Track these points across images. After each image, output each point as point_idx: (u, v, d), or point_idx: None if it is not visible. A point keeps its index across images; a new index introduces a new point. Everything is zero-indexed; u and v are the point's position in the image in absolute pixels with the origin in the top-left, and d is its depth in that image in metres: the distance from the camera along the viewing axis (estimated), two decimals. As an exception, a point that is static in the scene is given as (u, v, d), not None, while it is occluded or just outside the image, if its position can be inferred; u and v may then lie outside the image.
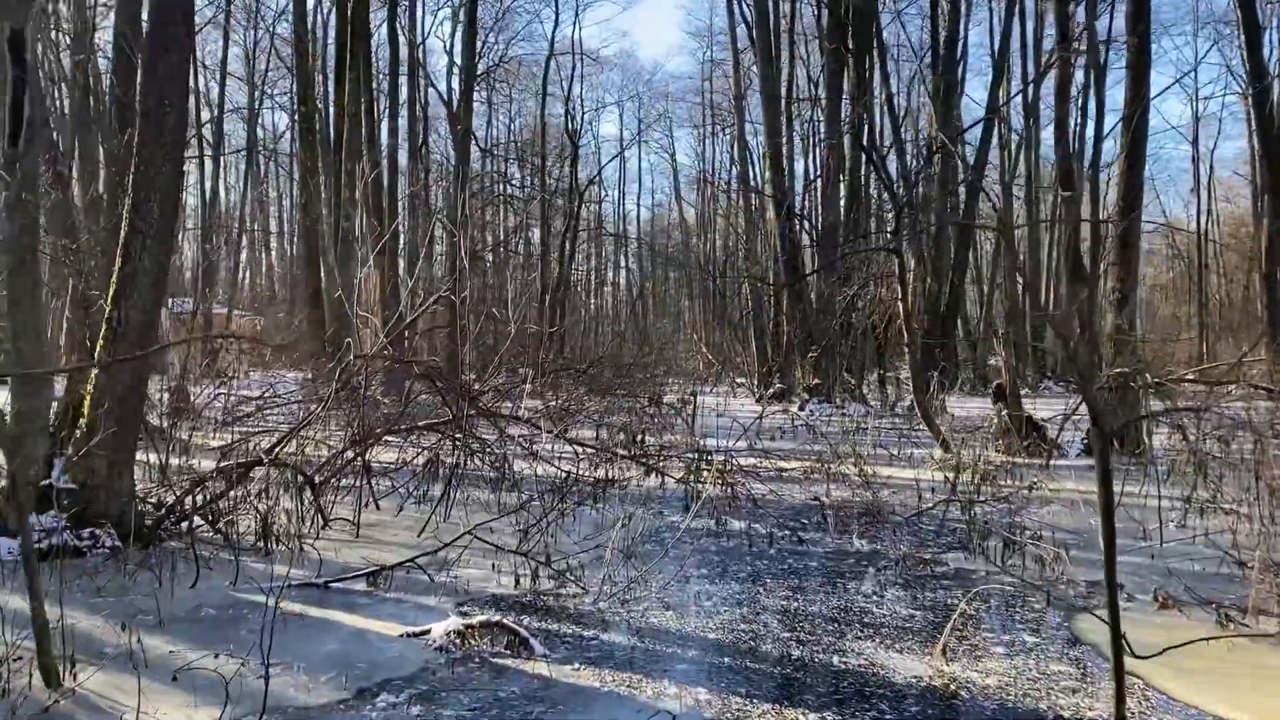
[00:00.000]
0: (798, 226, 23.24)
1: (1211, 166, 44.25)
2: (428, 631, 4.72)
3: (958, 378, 24.08)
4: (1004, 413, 12.78)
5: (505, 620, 4.64)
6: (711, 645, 4.81)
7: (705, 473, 9.46)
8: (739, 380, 29.22)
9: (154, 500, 7.40)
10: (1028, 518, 8.31)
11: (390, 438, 9.20)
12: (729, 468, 10.36)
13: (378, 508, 8.56)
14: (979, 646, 4.78)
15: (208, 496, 7.25)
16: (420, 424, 8.38)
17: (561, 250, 33.04)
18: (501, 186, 43.61)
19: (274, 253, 50.59)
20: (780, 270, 22.00)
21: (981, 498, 8.46)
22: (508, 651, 4.51)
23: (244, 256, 49.42)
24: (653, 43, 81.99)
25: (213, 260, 34.24)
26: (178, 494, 7.21)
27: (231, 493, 7.40)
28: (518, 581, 5.91)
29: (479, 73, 41.84)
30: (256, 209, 44.64)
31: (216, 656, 4.42)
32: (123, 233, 6.80)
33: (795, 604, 5.51)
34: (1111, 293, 12.58)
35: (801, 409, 21.49)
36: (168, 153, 6.90)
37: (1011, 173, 29.77)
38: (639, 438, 10.26)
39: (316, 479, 7.87)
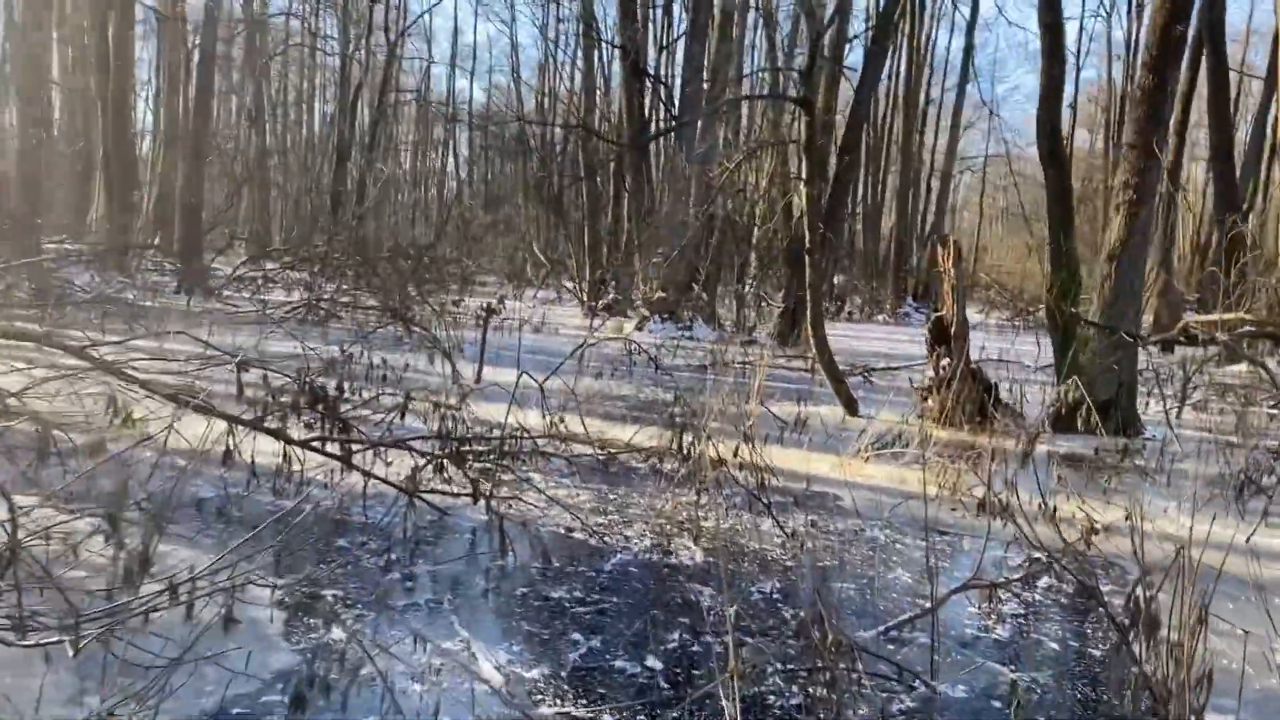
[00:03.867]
0: (649, 89, 18.13)
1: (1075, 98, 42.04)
2: None
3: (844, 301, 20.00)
4: (944, 362, 8.42)
5: None
6: None
7: (473, 470, 4.53)
8: (566, 285, 24.20)
9: None
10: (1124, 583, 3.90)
11: None
12: (514, 451, 5.50)
13: None
14: None
15: None
16: None
17: (351, 107, 26.58)
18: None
19: None
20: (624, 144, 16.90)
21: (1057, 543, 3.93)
22: None
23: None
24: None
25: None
26: None
27: None
28: None
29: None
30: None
31: None
32: None
33: None
34: (1120, 191, 8.30)
35: (640, 328, 16.80)
36: None
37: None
38: (336, 388, 5.14)
39: None
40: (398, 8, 37.06)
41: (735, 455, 6.01)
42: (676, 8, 28.52)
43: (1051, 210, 9.22)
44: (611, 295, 19.80)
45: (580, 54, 26.10)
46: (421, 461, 4.62)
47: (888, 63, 29.25)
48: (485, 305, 17.05)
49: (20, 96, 16.65)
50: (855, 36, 18.69)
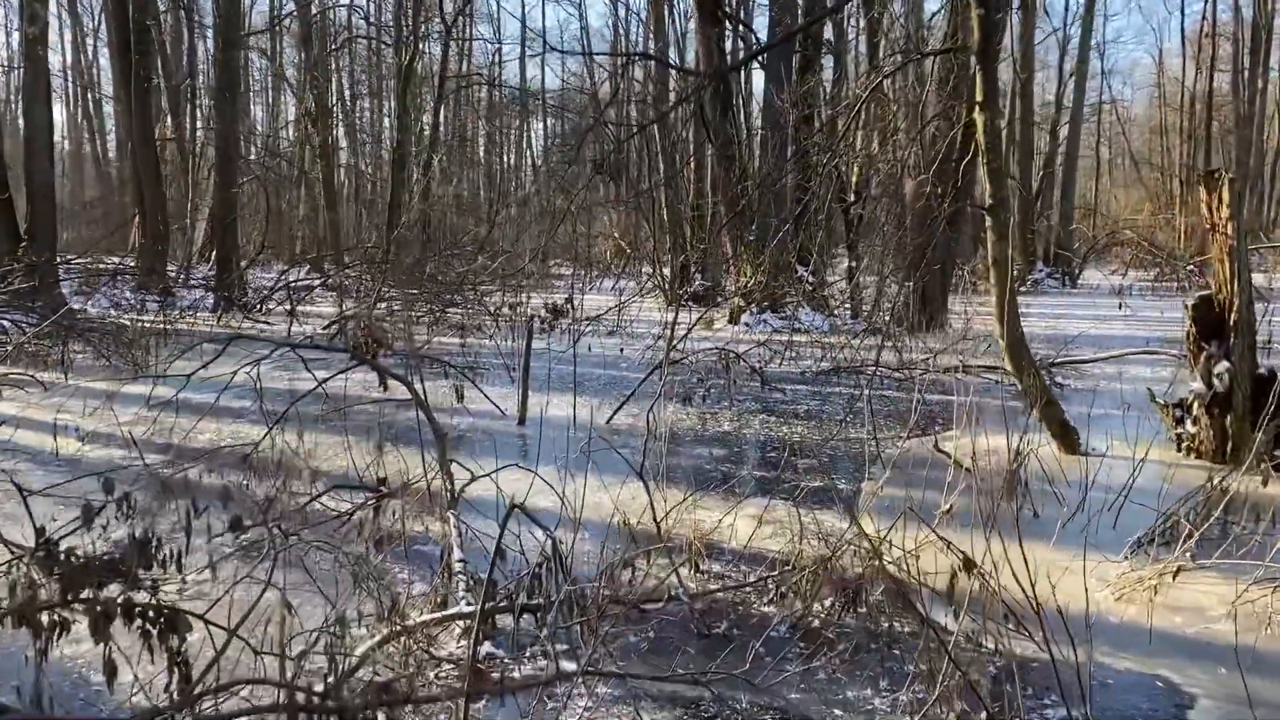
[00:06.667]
0: (729, 31, 15.19)
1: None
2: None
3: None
4: (1222, 368, 5.40)
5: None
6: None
7: None
8: (647, 272, 21.43)
9: None
10: None
11: None
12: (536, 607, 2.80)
13: None
14: None
15: None
16: None
17: (402, 93, 24.42)
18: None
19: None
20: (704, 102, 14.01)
21: None
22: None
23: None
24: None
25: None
26: None
27: None
28: None
29: None
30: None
31: None
32: None
33: None
34: None
35: (734, 321, 13.99)
36: None
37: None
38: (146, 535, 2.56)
39: None
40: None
41: (952, 583, 3.22)
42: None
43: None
44: (698, 283, 17.00)
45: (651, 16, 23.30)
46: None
47: None
48: (549, 305, 14.29)
49: (23, 100, 14.87)
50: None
